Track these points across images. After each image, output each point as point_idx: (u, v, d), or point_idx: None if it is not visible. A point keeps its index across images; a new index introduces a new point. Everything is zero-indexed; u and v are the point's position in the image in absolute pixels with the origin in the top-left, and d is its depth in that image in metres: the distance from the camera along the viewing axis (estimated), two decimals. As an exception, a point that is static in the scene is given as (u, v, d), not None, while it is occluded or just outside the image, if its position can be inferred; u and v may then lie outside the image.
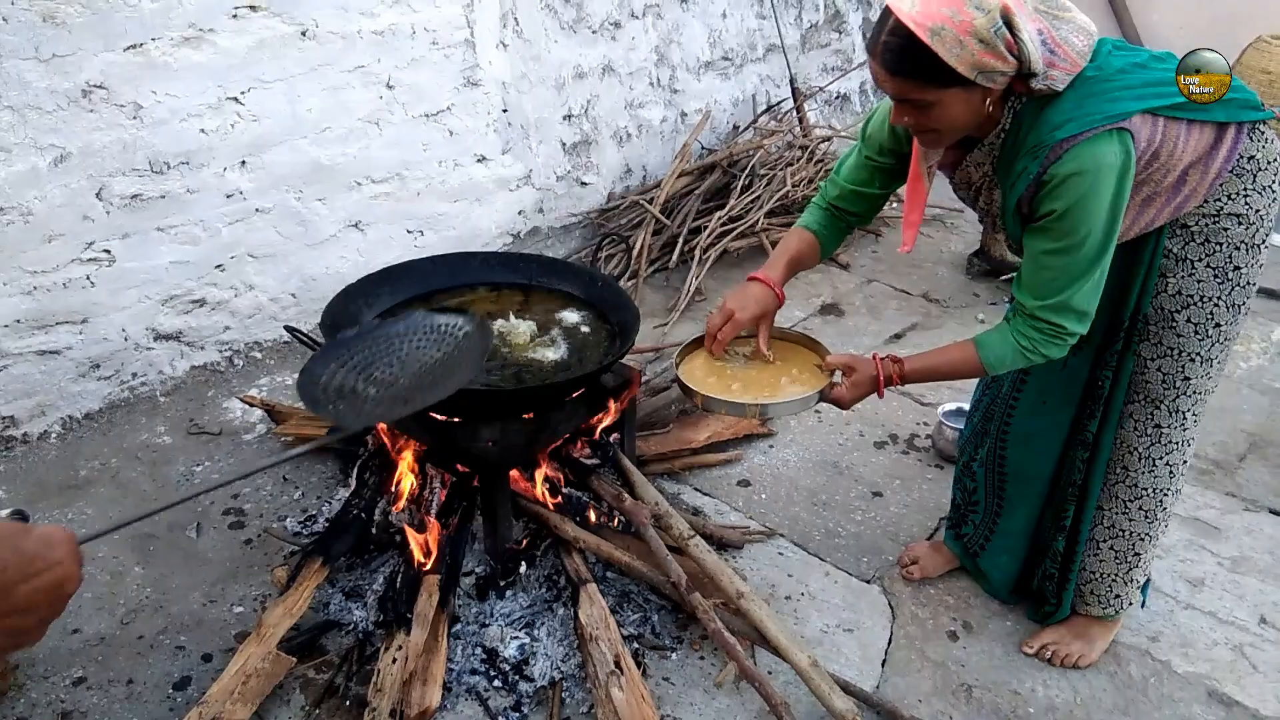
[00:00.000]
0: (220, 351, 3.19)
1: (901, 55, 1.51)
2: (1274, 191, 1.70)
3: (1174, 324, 1.80)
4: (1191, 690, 2.12)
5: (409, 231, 3.53)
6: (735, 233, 3.96)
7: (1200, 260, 1.74)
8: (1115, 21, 6.34)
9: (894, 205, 4.34)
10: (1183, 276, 1.76)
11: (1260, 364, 3.45)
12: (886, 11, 1.53)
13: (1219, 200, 1.69)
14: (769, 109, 4.75)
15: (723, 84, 4.64)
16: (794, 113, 4.71)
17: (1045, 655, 2.17)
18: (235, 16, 2.84)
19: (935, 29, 1.46)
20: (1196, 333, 1.80)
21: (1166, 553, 2.50)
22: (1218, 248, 1.72)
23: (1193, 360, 1.82)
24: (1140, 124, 1.58)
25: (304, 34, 3.00)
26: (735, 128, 4.70)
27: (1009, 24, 1.46)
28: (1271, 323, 3.71)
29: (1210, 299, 1.76)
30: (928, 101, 1.56)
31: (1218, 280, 1.75)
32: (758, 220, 4.01)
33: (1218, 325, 1.79)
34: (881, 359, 1.87)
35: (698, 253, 3.82)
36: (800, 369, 2.01)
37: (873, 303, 3.83)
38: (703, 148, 4.48)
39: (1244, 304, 1.79)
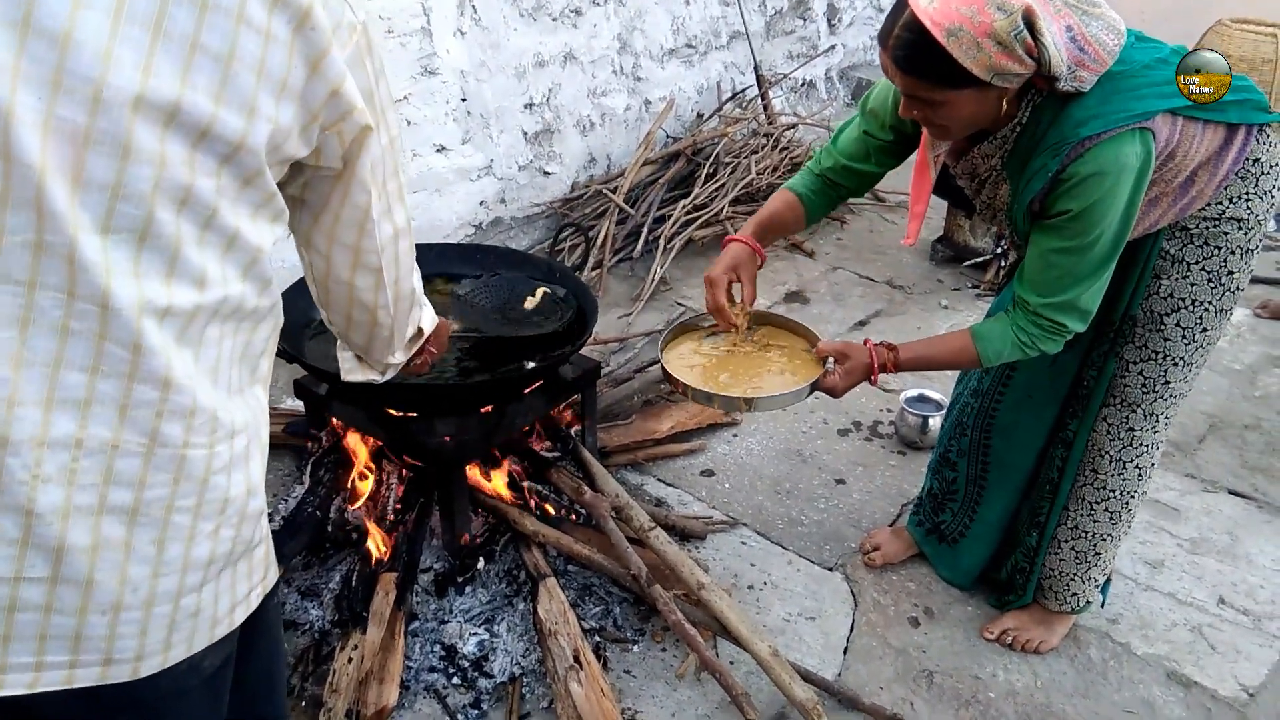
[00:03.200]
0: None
1: (914, 52, 1.44)
2: (1274, 196, 1.68)
3: (1162, 327, 1.78)
4: (1151, 672, 2.13)
5: (368, 223, 3.48)
6: (700, 221, 3.93)
7: (1196, 263, 1.71)
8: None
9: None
10: (1177, 279, 1.73)
11: (1220, 345, 3.48)
12: (902, 2, 1.46)
13: (1221, 204, 1.67)
14: (734, 96, 4.72)
15: (687, 71, 4.61)
16: (759, 100, 4.69)
17: (1006, 640, 2.17)
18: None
19: (952, 29, 1.39)
20: (1184, 337, 1.77)
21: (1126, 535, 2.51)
22: (1215, 251, 1.70)
23: (1175, 365, 1.80)
24: (1162, 123, 1.54)
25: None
26: (699, 116, 4.67)
27: (1030, 26, 1.39)
28: (1231, 305, 3.74)
29: (1201, 303, 1.74)
30: (939, 100, 1.50)
31: (1210, 284, 1.72)
32: (723, 209, 3.99)
33: (1205, 330, 1.77)
34: (875, 345, 1.81)
35: (662, 242, 3.79)
36: (789, 356, 1.93)
37: (838, 290, 3.83)
38: (667, 136, 4.45)
39: (1230, 309, 1.77)
